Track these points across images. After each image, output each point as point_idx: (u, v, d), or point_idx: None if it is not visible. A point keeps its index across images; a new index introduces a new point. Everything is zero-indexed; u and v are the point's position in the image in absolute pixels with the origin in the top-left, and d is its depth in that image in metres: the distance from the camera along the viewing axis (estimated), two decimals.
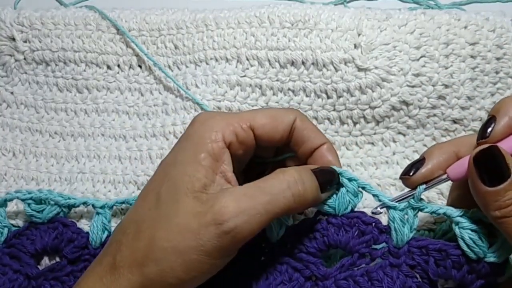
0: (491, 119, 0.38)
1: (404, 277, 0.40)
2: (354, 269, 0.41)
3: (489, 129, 0.37)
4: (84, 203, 0.47)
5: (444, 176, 0.39)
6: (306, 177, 0.39)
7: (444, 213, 0.39)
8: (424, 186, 0.39)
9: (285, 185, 0.37)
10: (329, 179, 0.40)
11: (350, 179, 0.41)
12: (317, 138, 0.42)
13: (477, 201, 0.37)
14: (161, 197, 0.38)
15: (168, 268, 0.36)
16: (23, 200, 0.47)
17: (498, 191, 0.35)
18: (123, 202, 0.47)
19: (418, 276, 0.40)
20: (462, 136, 0.43)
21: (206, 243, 0.36)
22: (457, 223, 0.39)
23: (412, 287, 0.40)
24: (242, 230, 0.36)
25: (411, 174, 0.39)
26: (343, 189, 0.41)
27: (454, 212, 0.39)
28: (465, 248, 0.38)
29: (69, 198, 0.47)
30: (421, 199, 0.40)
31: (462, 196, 0.40)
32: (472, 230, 0.38)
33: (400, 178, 0.40)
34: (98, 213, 0.47)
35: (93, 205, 0.47)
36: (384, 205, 0.40)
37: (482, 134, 0.37)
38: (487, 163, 0.36)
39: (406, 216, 0.40)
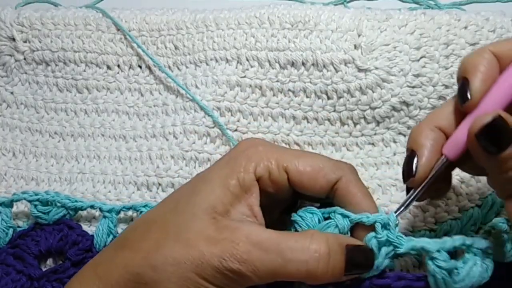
0: (464, 81, 0.35)
1: None
2: None
3: (468, 92, 0.34)
4: (91, 206, 0.47)
5: (443, 158, 0.36)
6: (334, 257, 0.35)
7: (422, 248, 0.36)
8: (394, 213, 0.37)
9: (304, 258, 0.35)
10: (360, 263, 0.36)
11: (343, 215, 0.38)
12: (361, 206, 0.38)
13: (487, 168, 0.34)
14: (179, 205, 0.38)
15: (163, 278, 0.35)
16: (30, 201, 0.47)
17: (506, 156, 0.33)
18: (130, 208, 0.47)
19: None
20: (434, 111, 0.38)
21: (207, 269, 0.35)
22: (431, 258, 0.36)
23: None
24: (244, 277, 0.35)
25: (414, 174, 0.36)
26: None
27: (432, 245, 0.36)
28: (433, 286, 0.36)
29: (76, 201, 0.47)
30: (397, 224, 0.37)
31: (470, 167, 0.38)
32: (446, 269, 0.35)
33: (405, 182, 0.37)
34: (104, 217, 0.47)
35: (100, 209, 0.47)
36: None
37: (463, 98, 0.35)
38: (491, 136, 0.33)
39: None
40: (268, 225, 0.38)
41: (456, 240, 0.36)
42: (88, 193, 0.50)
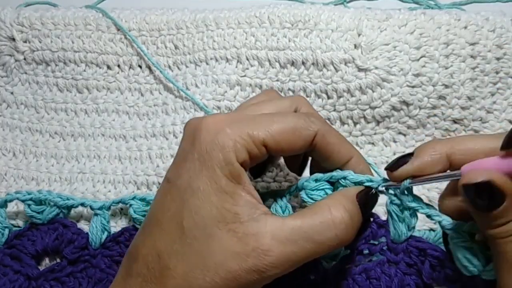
0: None
1: (402, 274, 0.39)
2: (353, 267, 0.40)
3: None
4: (82, 204, 0.47)
5: (457, 172, 0.34)
6: (355, 216, 0.36)
7: (439, 222, 0.37)
8: (409, 181, 0.36)
9: (333, 233, 0.35)
10: (370, 206, 0.38)
11: (356, 183, 0.38)
12: (342, 153, 0.38)
13: (473, 216, 0.34)
14: (185, 230, 0.35)
15: None
16: (23, 201, 0.47)
17: (491, 215, 0.32)
18: (119, 202, 0.47)
19: (414, 274, 0.40)
20: (459, 137, 0.37)
21: (246, 286, 0.34)
22: (452, 238, 0.36)
23: (410, 284, 0.39)
24: (281, 273, 0.34)
25: (393, 169, 0.36)
26: None
27: (449, 224, 0.36)
28: (458, 265, 0.36)
29: (67, 199, 0.47)
30: (419, 198, 0.38)
31: (458, 205, 0.37)
32: (467, 248, 0.35)
33: (385, 169, 0.37)
34: (96, 214, 0.47)
35: (90, 206, 0.47)
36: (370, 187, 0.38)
37: (508, 142, 0.31)
38: (480, 196, 0.31)
39: (403, 214, 0.38)
40: None
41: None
42: (88, 193, 0.50)
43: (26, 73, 0.54)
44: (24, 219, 0.49)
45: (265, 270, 0.34)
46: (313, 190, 0.39)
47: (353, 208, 0.36)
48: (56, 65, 0.53)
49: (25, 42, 0.54)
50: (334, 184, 0.39)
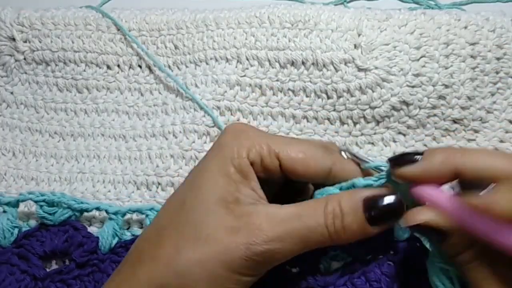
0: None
1: (402, 273, 0.39)
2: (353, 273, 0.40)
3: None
4: (97, 208, 0.47)
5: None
6: (350, 211, 0.35)
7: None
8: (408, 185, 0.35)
9: (322, 220, 0.35)
10: (387, 212, 0.35)
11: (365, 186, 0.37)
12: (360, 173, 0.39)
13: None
14: (186, 203, 0.36)
15: (190, 282, 0.34)
16: (36, 202, 0.47)
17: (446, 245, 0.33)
18: (136, 210, 0.47)
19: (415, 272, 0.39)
20: (473, 152, 0.35)
21: (235, 260, 0.34)
22: (430, 256, 0.36)
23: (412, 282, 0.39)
24: (273, 255, 0.34)
25: (398, 165, 0.35)
26: None
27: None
28: (431, 283, 0.36)
29: (81, 203, 0.47)
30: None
31: None
32: (442, 269, 0.35)
33: (388, 160, 0.36)
34: (110, 219, 0.47)
35: (106, 211, 0.47)
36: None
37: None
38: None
39: None
40: None
41: None
42: (87, 193, 0.49)
43: (26, 73, 0.54)
44: (24, 219, 0.49)
45: (255, 244, 0.34)
46: (322, 194, 0.38)
47: (351, 206, 0.35)
48: (56, 65, 0.53)
49: (25, 42, 0.54)
50: None
